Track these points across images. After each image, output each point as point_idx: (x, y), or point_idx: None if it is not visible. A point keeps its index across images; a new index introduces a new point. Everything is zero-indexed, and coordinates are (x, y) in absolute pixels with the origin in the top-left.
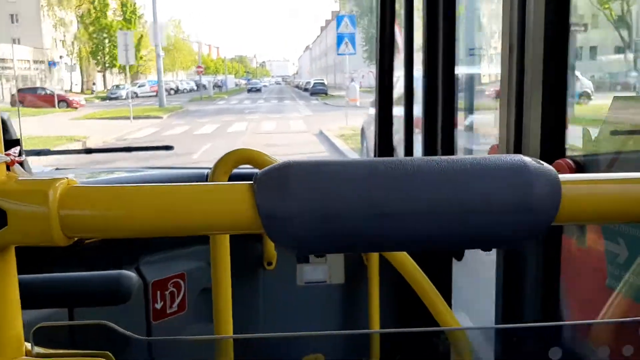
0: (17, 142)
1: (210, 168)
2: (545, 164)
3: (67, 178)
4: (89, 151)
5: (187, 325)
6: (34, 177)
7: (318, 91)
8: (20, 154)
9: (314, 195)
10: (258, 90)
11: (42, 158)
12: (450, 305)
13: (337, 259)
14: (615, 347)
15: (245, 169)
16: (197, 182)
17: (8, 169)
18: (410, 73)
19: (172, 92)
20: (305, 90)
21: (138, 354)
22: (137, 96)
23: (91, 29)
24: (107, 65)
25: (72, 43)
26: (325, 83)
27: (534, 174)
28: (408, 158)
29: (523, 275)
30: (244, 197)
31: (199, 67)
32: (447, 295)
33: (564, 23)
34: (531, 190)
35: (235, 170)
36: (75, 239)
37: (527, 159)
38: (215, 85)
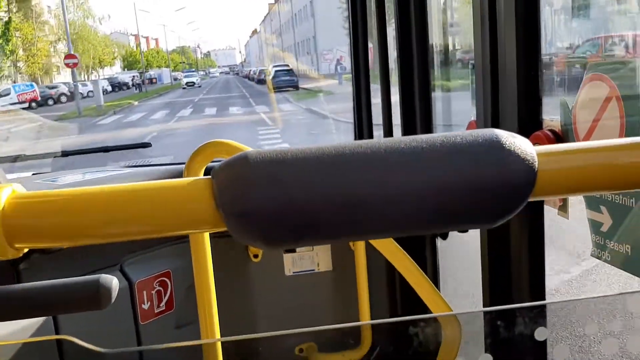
0: None
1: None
2: (520, 137)
3: (12, 185)
4: (65, 154)
5: (176, 323)
6: None
7: (285, 84)
8: None
9: (277, 187)
10: (193, 85)
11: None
12: (437, 285)
13: (323, 247)
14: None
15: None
16: (175, 176)
17: None
18: (384, 52)
19: (64, 98)
20: (260, 82)
21: None
22: None
23: None
24: None
25: None
26: (294, 70)
27: (508, 149)
28: (375, 140)
29: (507, 253)
30: (203, 193)
31: (67, 56)
32: (434, 275)
33: None
34: (506, 165)
35: (210, 164)
36: (25, 250)
37: (500, 132)
38: (149, 82)
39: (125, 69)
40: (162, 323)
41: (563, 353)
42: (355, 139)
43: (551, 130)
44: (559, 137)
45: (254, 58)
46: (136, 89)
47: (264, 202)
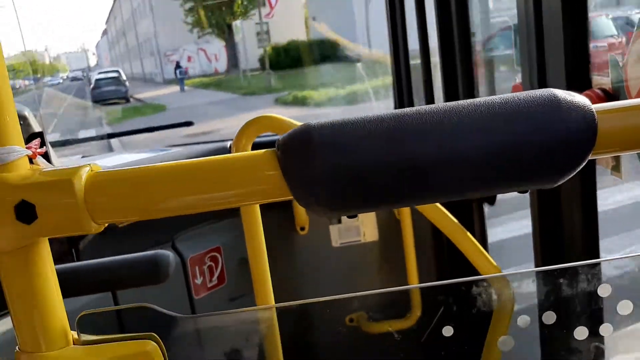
0: (39, 135)
1: (231, 140)
2: (578, 95)
3: (90, 165)
4: (110, 136)
5: (229, 296)
6: (58, 167)
7: (110, 96)
8: (42, 145)
9: (339, 155)
10: None
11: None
12: (486, 249)
13: (369, 217)
14: None
15: (268, 136)
16: (220, 154)
17: (31, 162)
18: (422, 16)
19: None
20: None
21: (182, 332)
22: None
23: None
24: None
25: None
26: (123, 77)
27: (567, 107)
28: (433, 106)
29: (559, 212)
30: (269, 164)
31: None
32: (482, 240)
33: None
34: (566, 124)
35: (257, 139)
36: (106, 224)
37: (558, 92)
38: None
39: None
40: (215, 297)
41: (626, 308)
42: (395, 107)
43: (601, 89)
44: (609, 95)
45: (105, 60)
46: None
47: (328, 170)
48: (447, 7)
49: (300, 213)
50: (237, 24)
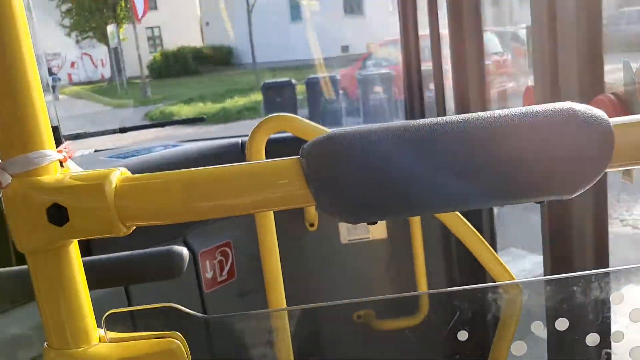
0: (55, 129)
1: (243, 136)
2: (595, 110)
3: (120, 169)
4: (123, 130)
5: (239, 291)
6: (87, 171)
7: None
8: (57, 144)
9: (363, 164)
10: None
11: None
12: (496, 251)
13: None
14: None
15: (281, 134)
16: (232, 151)
17: (61, 164)
18: (435, 25)
19: None
20: None
21: (199, 329)
22: None
23: None
24: None
25: None
26: None
27: (585, 122)
28: (456, 117)
29: (570, 221)
30: (293, 172)
31: None
32: (492, 241)
33: None
34: (583, 139)
35: (272, 136)
36: (134, 227)
37: (577, 106)
38: None
39: None
40: (225, 291)
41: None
42: (406, 118)
43: (614, 94)
44: (622, 100)
45: None
46: None
47: (352, 179)
48: (460, 15)
49: (310, 210)
50: (111, 28)
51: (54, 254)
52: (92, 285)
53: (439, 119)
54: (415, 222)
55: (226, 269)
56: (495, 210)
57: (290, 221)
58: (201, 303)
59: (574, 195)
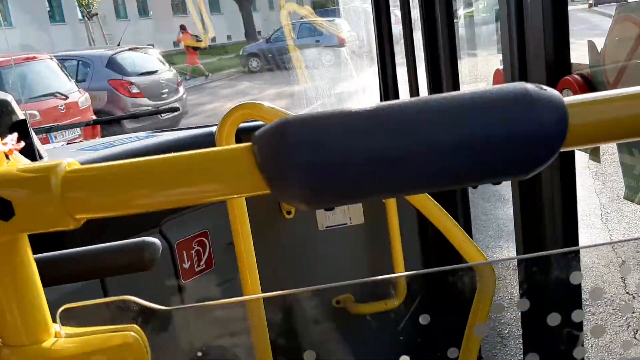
0: (23, 123)
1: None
2: (549, 89)
3: (67, 160)
4: (96, 122)
5: (217, 281)
6: (34, 163)
7: None
8: (25, 137)
9: (314, 150)
10: None
11: None
12: (470, 235)
13: None
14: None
15: (252, 121)
16: (205, 141)
17: (7, 157)
18: (407, 12)
19: None
20: None
21: (167, 322)
22: None
23: None
24: None
25: None
26: None
27: (538, 102)
28: (407, 100)
29: (540, 200)
30: (246, 159)
31: None
32: (466, 224)
33: None
34: (536, 118)
35: (242, 125)
36: (84, 220)
37: (529, 86)
38: None
39: None
40: (203, 281)
41: (597, 296)
42: (380, 100)
43: (580, 74)
44: (588, 80)
45: None
46: None
47: (304, 165)
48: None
49: None
50: None
51: (2, 249)
52: (64, 279)
53: (388, 103)
54: (392, 207)
55: (204, 258)
56: (470, 192)
57: (267, 209)
58: (179, 293)
59: (530, 176)
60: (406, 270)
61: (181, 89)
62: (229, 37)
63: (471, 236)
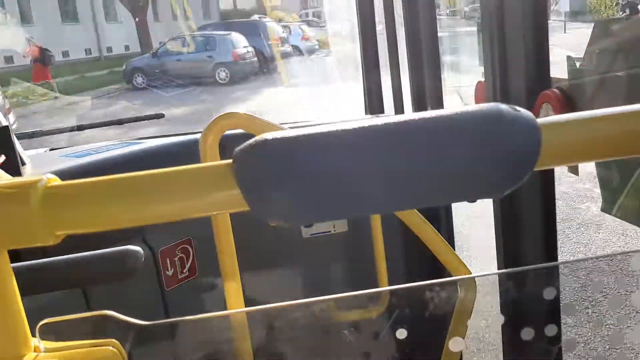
0: (6, 130)
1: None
2: (523, 110)
3: (47, 176)
4: (80, 128)
5: (200, 288)
6: (13, 179)
7: None
8: (7, 143)
9: (293, 169)
10: None
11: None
12: (453, 246)
13: None
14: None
15: (236, 131)
16: (192, 149)
17: None
18: (392, 25)
19: None
20: None
21: (146, 336)
22: None
23: None
24: None
25: None
26: None
27: (512, 123)
28: (384, 118)
29: (519, 215)
30: (226, 177)
31: None
32: (449, 236)
33: None
34: (509, 140)
35: (226, 133)
36: (64, 236)
37: (503, 107)
38: None
39: None
40: (186, 289)
41: (572, 312)
42: (365, 113)
43: (559, 88)
44: (566, 94)
45: None
46: None
47: (282, 184)
48: (415, 11)
49: None
50: None
51: None
52: (44, 289)
53: (366, 121)
54: (375, 216)
55: (187, 266)
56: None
57: (250, 217)
58: (162, 300)
59: (504, 195)
60: (389, 278)
61: (11, 117)
62: (127, 47)
63: (454, 247)
